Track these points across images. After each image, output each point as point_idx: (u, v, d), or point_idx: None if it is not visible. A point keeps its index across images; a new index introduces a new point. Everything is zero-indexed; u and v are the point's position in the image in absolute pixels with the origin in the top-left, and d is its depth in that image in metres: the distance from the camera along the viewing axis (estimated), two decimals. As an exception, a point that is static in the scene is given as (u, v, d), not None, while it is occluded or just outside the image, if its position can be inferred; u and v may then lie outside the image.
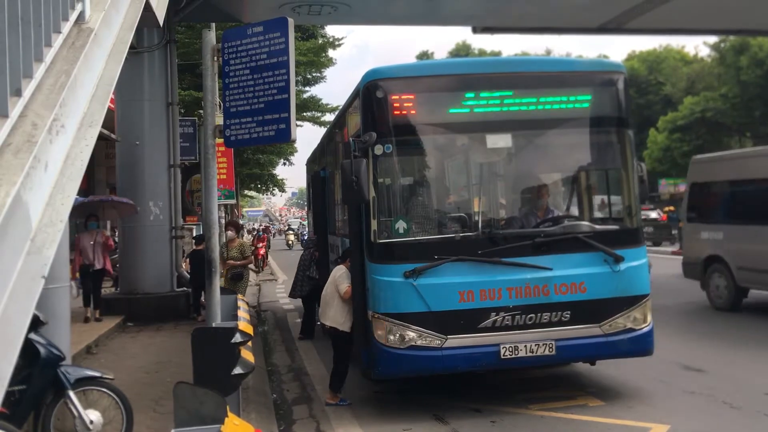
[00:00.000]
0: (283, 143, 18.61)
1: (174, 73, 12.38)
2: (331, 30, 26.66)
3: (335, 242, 9.55)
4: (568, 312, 6.33)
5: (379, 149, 6.32)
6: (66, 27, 3.36)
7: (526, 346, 6.26)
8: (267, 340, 11.09)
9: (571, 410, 6.41)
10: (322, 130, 24.70)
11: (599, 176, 7.44)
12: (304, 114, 28.56)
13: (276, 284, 20.99)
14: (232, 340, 4.81)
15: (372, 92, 6.49)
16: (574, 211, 7.46)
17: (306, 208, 18.55)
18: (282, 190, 50.46)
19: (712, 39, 42.69)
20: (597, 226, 6.96)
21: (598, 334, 6.40)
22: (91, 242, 11.02)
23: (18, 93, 2.74)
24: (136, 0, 4.64)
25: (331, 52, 27.36)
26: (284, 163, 37.42)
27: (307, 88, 28.98)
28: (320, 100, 29.60)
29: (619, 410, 6.35)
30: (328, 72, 29.35)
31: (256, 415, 6.25)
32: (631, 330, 6.49)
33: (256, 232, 36.76)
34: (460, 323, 6.21)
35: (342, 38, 26.16)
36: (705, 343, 9.36)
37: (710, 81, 44.70)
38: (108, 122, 8.46)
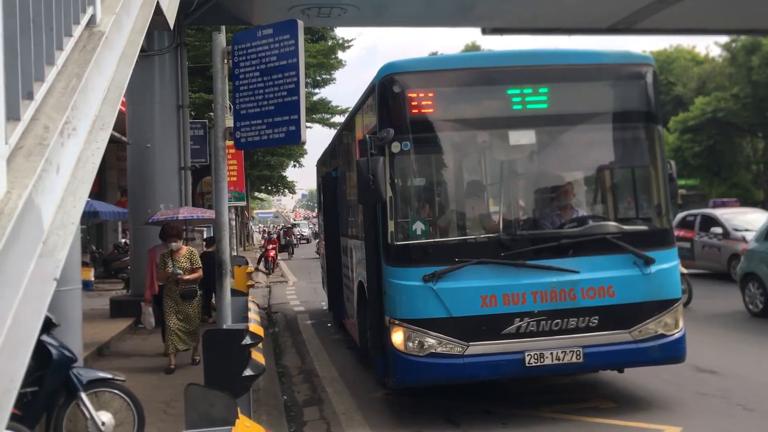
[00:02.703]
0: (293, 145, 18.66)
1: (184, 76, 12.43)
2: (341, 32, 26.80)
3: (348, 244, 9.35)
4: (596, 317, 6.07)
5: (396, 147, 6.07)
6: (77, 30, 3.38)
7: (552, 353, 6.00)
8: (277, 341, 11.10)
9: (582, 412, 6.38)
10: (332, 132, 24.76)
11: (627, 174, 7.13)
12: (314, 116, 28.65)
13: (286, 286, 21.01)
14: (243, 342, 4.81)
15: (388, 87, 6.21)
16: (600, 210, 7.21)
17: (316, 209, 18.37)
18: (292, 192, 50.68)
19: (723, 39, 42.44)
20: (625, 227, 6.62)
21: (627, 341, 6.13)
22: None
23: (30, 96, 2.75)
24: (147, 3, 4.66)
25: (340, 54, 27.53)
26: (294, 165, 37.68)
27: (316, 90, 29.10)
28: (330, 102, 29.70)
29: (632, 412, 6.31)
30: (337, 74, 29.37)
31: (266, 416, 6.26)
32: (663, 336, 6.20)
33: (267, 234, 36.73)
34: (483, 329, 5.96)
35: (351, 40, 26.25)
36: (717, 345, 9.30)
37: (721, 81, 44.41)
38: (119, 125, 8.50)
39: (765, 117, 40.84)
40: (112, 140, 5.42)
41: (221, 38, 5.41)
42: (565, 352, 6.02)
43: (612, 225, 6.63)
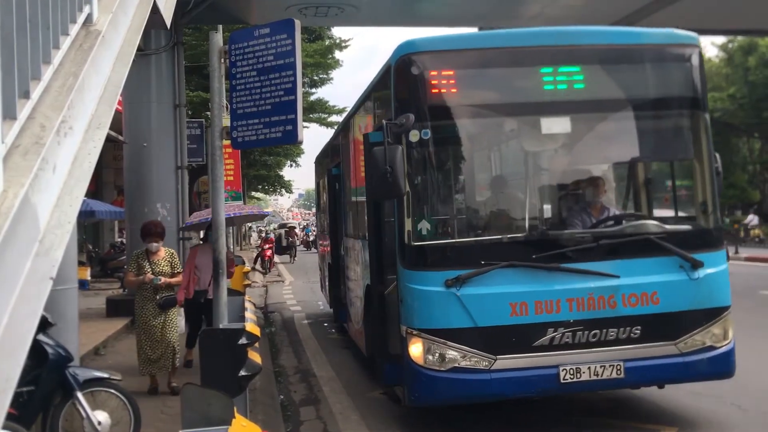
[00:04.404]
0: (290, 145, 18.63)
1: (181, 75, 12.41)
2: (338, 32, 26.76)
3: (352, 245, 8.75)
4: (639, 327, 5.49)
5: (414, 135, 5.47)
6: (74, 29, 3.37)
7: (589, 367, 5.43)
8: (274, 341, 11.11)
9: (577, 413, 6.39)
10: (329, 132, 24.81)
11: (670, 167, 6.50)
12: (311, 115, 28.65)
13: (283, 286, 21.01)
14: (240, 342, 4.81)
15: (406, 68, 5.60)
16: (638, 208, 6.65)
17: (315, 208, 18.12)
18: (289, 192, 50.67)
19: (720, 39, 42.55)
20: (668, 226, 6.02)
21: (673, 354, 5.56)
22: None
23: (26, 95, 2.75)
24: (144, 2, 4.65)
25: (337, 54, 27.54)
26: (291, 165, 37.65)
27: (313, 90, 29.10)
28: (327, 102, 29.70)
29: (628, 412, 6.33)
30: (335, 74, 29.35)
31: (263, 416, 6.26)
32: (711, 348, 5.63)
33: (264, 234, 36.61)
34: (512, 341, 5.40)
35: (349, 40, 26.20)
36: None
37: (718, 81, 44.46)
38: (115, 124, 8.48)
39: (762, 117, 40.91)
40: (109, 139, 5.41)
41: (218, 37, 5.40)
42: (604, 366, 5.45)
43: (653, 224, 6.02)
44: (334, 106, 29.76)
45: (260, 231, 51.62)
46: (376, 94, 6.92)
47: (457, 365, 5.38)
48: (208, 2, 11.88)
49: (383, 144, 5.31)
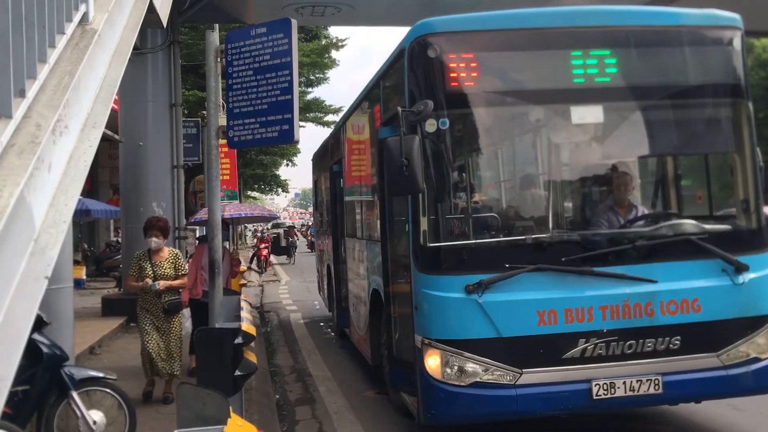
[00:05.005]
0: (287, 144, 18.62)
1: (177, 75, 12.40)
2: (335, 31, 26.75)
3: (356, 246, 8.21)
4: (678, 338, 5.00)
5: (431, 125, 4.96)
6: (70, 28, 3.37)
7: (625, 382, 4.93)
8: (270, 340, 11.10)
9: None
10: (325, 131, 24.78)
11: (709, 161, 5.91)
12: (307, 115, 28.66)
13: (279, 285, 21.00)
14: (235, 341, 4.80)
15: (422, 51, 5.09)
16: (671, 206, 6.08)
17: (312, 207, 17.73)
18: (285, 191, 50.70)
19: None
20: (707, 226, 5.44)
21: (715, 366, 5.05)
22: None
23: (22, 94, 2.74)
24: (140, 1, 4.65)
25: (334, 54, 27.52)
26: (287, 164, 37.67)
27: (310, 90, 29.13)
28: (323, 101, 29.73)
29: (624, 413, 6.33)
30: (331, 73, 29.47)
31: (258, 416, 6.25)
32: (756, 360, 5.12)
33: (260, 233, 36.48)
34: (540, 353, 4.90)
35: (345, 39, 26.21)
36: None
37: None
38: (111, 123, 8.49)
39: (757, 119, 41.02)
40: (105, 138, 5.40)
41: (215, 36, 5.40)
42: (641, 380, 4.95)
43: (691, 223, 5.43)
44: (330, 106, 29.78)
45: (255, 231, 51.55)
46: (386, 81, 6.40)
47: (478, 380, 4.88)
48: (205, 1, 11.87)
49: (398, 135, 4.82)
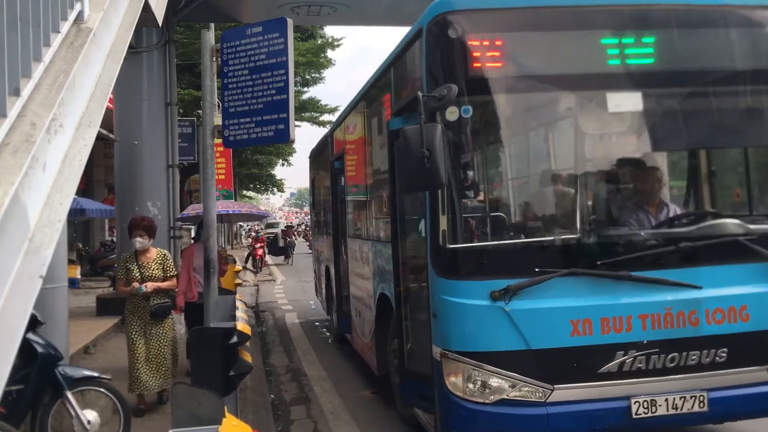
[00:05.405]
0: (282, 143, 18.61)
1: (173, 74, 12.37)
2: (330, 30, 26.79)
3: (361, 247, 7.77)
4: (725, 350, 4.52)
5: (452, 113, 4.45)
6: (65, 27, 3.36)
7: (667, 399, 4.46)
8: (265, 340, 11.10)
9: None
10: (321, 131, 24.83)
11: (748, 155, 5.37)
12: (303, 114, 28.70)
13: (274, 285, 20.99)
14: (231, 341, 4.80)
15: (441, 31, 4.58)
16: (716, 204, 5.46)
17: (309, 206, 17.44)
18: (281, 191, 50.69)
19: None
20: (752, 226, 4.86)
21: (765, 381, 4.61)
22: None
23: (17, 92, 2.74)
24: (135, 0, 4.64)
25: (330, 53, 27.56)
26: (283, 164, 37.69)
27: (305, 89, 29.15)
28: (319, 101, 29.77)
29: None
30: (327, 73, 29.40)
31: (253, 415, 6.25)
32: None
33: (254, 233, 36.44)
34: (573, 367, 4.43)
35: (341, 39, 26.25)
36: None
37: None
38: (106, 122, 8.45)
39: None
40: (100, 137, 5.34)
41: (210, 36, 5.39)
42: (685, 397, 4.49)
43: (735, 223, 4.88)
44: (326, 105, 29.85)
45: (250, 230, 51.50)
46: (399, 66, 5.81)
47: (505, 397, 4.41)
48: (200, 0, 11.85)
49: (416, 124, 4.32)
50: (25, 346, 4.65)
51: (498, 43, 4.68)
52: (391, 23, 15.36)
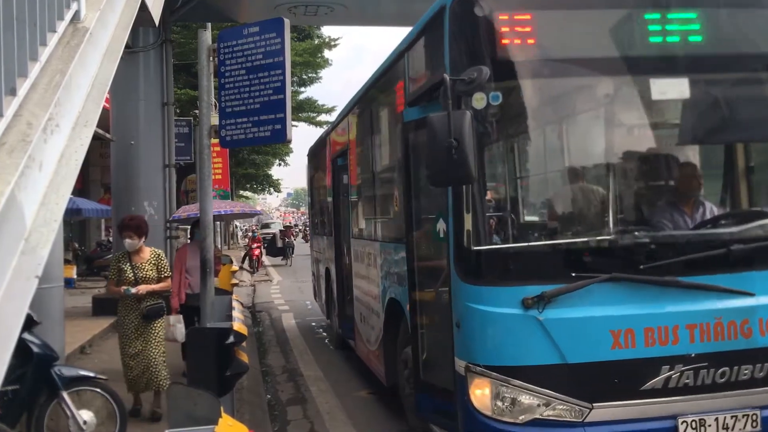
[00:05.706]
0: (279, 143, 18.60)
1: (169, 73, 12.37)
2: (327, 30, 26.77)
3: (368, 249, 7.25)
4: None
5: (480, 100, 3.99)
6: (61, 26, 3.36)
7: (717, 418, 4.02)
8: (262, 340, 11.09)
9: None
10: (318, 131, 24.76)
11: None
12: (300, 114, 28.69)
13: (271, 285, 20.98)
14: (227, 341, 4.80)
15: (466, 9, 4.10)
16: (744, 203, 4.98)
17: (307, 206, 17.14)
18: (278, 191, 50.66)
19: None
20: None
21: None
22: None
23: (13, 92, 2.73)
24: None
25: (326, 53, 27.53)
26: (279, 164, 37.71)
27: (302, 89, 29.12)
28: (316, 101, 29.77)
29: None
30: (324, 73, 29.43)
31: (250, 416, 6.25)
32: None
33: (251, 233, 36.41)
34: (614, 383, 3.99)
35: (338, 39, 26.17)
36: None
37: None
38: (103, 122, 8.42)
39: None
40: (96, 137, 5.31)
41: (207, 36, 5.39)
42: (736, 416, 4.04)
43: None
44: (323, 105, 29.84)
45: (246, 230, 51.46)
46: (415, 51, 5.28)
47: (537, 416, 3.98)
48: (197, 0, 11.85)
49: (440, 111, 3.87)
50: (21, 346, 4.64)
51: (529, 22, 4.17)
52: (389, 23, 15.39)
